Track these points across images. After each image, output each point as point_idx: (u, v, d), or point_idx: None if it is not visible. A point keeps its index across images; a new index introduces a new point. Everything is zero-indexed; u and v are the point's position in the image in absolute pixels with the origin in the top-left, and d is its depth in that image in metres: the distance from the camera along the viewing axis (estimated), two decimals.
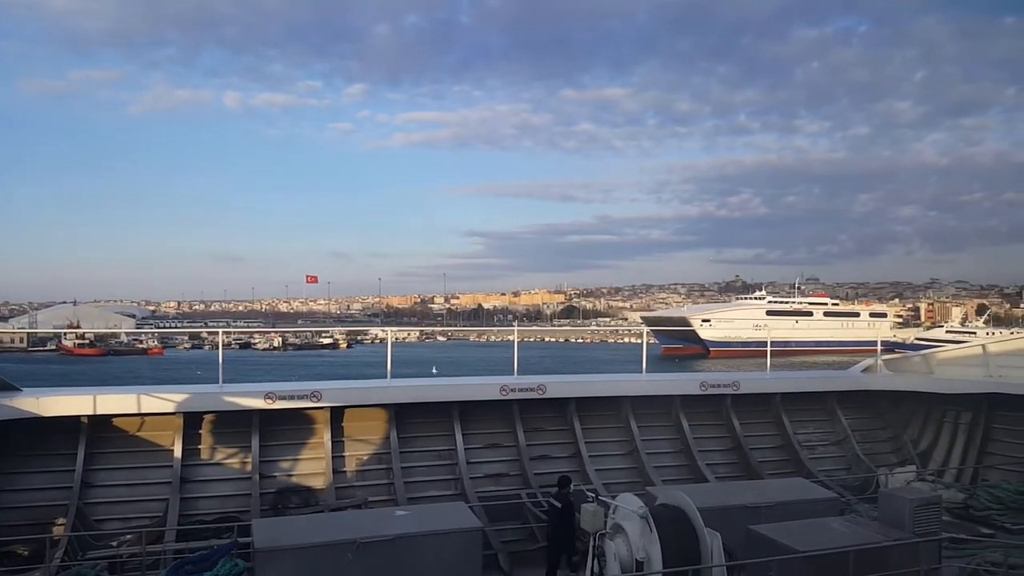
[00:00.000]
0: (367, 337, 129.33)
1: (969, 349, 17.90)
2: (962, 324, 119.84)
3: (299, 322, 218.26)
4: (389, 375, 14.62)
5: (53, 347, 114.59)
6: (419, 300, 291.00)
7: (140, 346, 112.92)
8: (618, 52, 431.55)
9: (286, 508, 12.41)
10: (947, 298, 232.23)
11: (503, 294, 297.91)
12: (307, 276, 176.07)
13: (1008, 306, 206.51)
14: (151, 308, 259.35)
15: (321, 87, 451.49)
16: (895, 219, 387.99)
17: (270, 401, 12.98)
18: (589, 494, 9.05)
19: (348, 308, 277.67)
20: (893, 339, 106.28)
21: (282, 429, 13.40)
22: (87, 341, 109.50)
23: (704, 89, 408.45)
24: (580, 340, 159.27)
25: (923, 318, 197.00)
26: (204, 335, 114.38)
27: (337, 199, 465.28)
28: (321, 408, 13.40)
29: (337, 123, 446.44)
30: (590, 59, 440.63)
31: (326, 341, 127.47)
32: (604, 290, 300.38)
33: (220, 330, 22.63)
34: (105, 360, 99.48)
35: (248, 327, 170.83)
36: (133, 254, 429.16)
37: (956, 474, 15.28)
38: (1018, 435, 14.97)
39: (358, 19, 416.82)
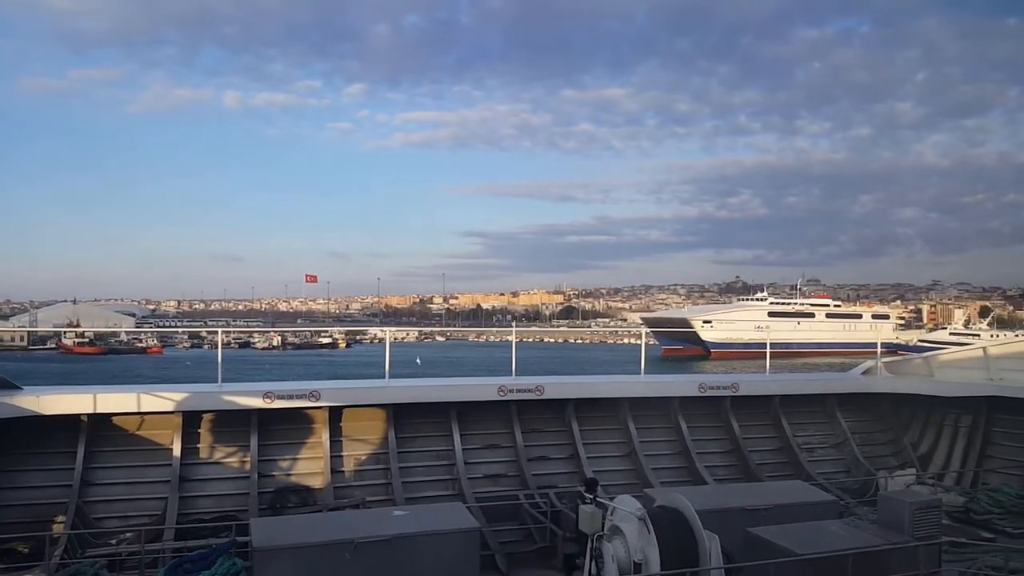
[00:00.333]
0: (366, 337, 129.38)
1: (970, 352, 17.81)
2: (965, 326, 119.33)
3: (298, 321, 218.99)
4: (388, 375, 14.63)
5: (53, 346, 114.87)
6: (418, 300, 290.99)
7: (140, 345, 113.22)
8: (618, 52, 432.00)
9: (284, 507, 12.39)
10: (949, 300, 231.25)
11: (502, 294, 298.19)
12: (306, 276, 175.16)
13: (1011, 308, 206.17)
14: (151, 307, 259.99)
15: (321, 87, 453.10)
16: (896, 220, 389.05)
17: (269, 400, 12.97)
18: (587, 495, 9.05)
19: (347, 308, 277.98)
20: (896, 341, 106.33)
21: (281, 428, 13.38)
22: (87, 340, 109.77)
23: (704, 89, 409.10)
24: (579, 341, 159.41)
25: (926, 320, 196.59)
26: (204, 334, 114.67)
27: (336, 199, 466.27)
28: (320, 408, 13.37)
29: (337, 123, 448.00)
30: (590, 59, 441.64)
31: (325, 341, 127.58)
32: (603, 291, 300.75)
33: (219, 329, 22.74)
34: (105, 359, 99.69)
35: (247, 326, 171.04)
36: (133, 253, 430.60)
37: (956, 477, 15.23)
38: (1019, 438, 14.92)
39: (358, 19, 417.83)
